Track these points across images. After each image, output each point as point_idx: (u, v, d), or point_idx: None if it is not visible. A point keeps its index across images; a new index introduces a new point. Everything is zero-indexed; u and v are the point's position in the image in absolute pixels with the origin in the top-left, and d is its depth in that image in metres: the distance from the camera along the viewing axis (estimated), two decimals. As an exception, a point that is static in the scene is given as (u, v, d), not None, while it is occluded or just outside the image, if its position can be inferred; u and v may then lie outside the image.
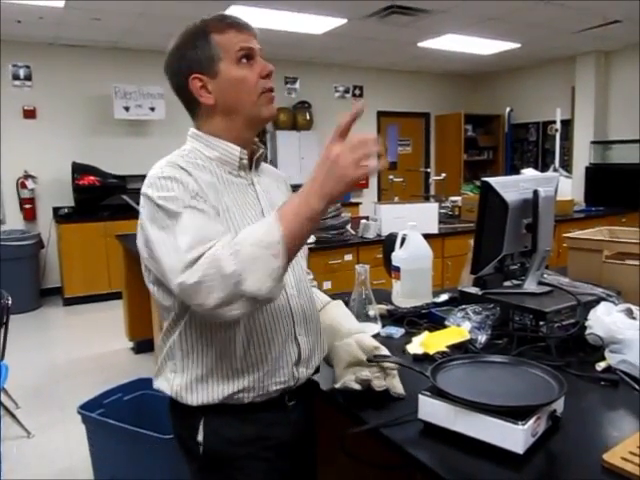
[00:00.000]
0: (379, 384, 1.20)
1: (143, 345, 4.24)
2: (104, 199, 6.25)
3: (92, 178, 6.15)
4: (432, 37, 6.40)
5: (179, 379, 1.15)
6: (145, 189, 1.08)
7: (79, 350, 4.54)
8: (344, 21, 5.54)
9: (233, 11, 4.89)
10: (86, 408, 2.27)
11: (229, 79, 1.16)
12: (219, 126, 1.19)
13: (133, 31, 5.68)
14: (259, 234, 0.97)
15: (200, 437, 1.16)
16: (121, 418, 2.20)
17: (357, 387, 1.20)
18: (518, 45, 6.84)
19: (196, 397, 1.14)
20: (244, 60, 1.16)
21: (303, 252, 1.31)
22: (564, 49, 7.16)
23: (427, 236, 2.04)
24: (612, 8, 5.33)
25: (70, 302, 5.95)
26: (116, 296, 5.12)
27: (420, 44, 6.70)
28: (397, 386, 1.23)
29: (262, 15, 5.15)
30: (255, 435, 1.17)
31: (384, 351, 1.26)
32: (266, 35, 5.15)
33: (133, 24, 5.38)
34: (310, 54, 7.12)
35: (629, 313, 1.46)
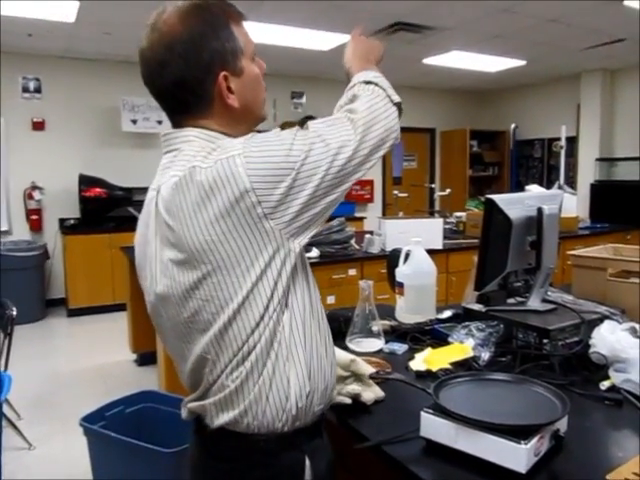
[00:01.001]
0: (368, 397, 1.25)
1: (146, 357, 4.24)
2: (110, 211, 6.29)
3: (98, 190, 6.19)
4: (438, 54, 6.45)
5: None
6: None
7: (82, 361, 4.54)
8: (349, 36, 5.59)
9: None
10: (88, 420, 2.27)
11: (252, 77, 1.07)
12: (225, 128, 1.05)
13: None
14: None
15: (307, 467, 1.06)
16: (123, 431, 2.19)
17: (348, 401, 1.24)
18: (523, 62, 6.88)
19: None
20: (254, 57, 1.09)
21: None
22: (569, 67, 7.20)
23: (431, 251, 2.05)
24: (616, 27, 5.36)
25: (74, 313, 5.96)
26: (120, 308, 5.13)
27: (426, 60, 6.75)
28: (378, 394, 1.30)
29: (270, 31, 5.21)
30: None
31: (360, 364, 1.31)
32: (273, 50, 5.22)
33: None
34: (317, 69, 7.18)
35: (633, 332, 1.45)
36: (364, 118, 1.03)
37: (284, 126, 7.45)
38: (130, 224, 6.06)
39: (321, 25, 5.19)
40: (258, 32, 5.12)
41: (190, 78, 1.00)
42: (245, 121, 1.09)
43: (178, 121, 1.06)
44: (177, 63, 0.99)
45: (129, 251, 4.09)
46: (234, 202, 0.91)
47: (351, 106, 1.07)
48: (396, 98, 1.11)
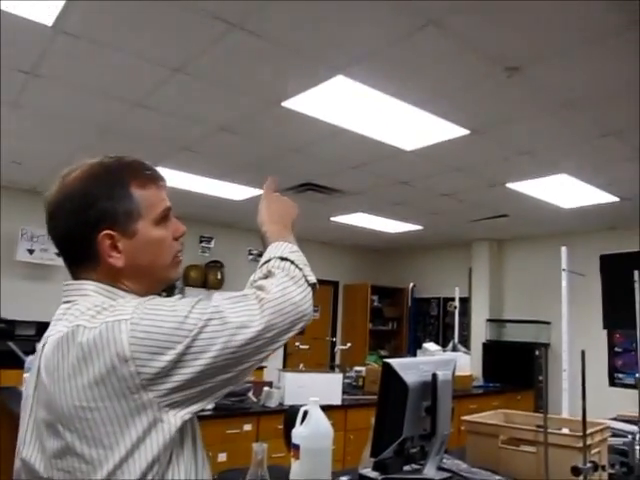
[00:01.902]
0: None
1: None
2: (-13, 344, 5.72)
3: (-25, 320, 5.67)
4: (344, 214, 6.90)
5: None
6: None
7: None
8: (262, 192, 5.88)
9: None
10: None
11: (148, 240, 1.03)
12: (123, 284, 1.03)
13: (53, 177, 5.67)
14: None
15: None
16: None
17: None
18: (421, 227, 7.49)
19: None
20: (162, 221, 1.06)
21: None
22: (461, 235, 7.92)
23: (330, 407, 2.00)
24: (501, 204, 6.05)
25: None
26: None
27: (333, 218, 7.17)
28: None
29: (183, 178, 5.38)
30: None
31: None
32: (185, 196, 5.33)
33: (54, 171, 5.40)
34: (228, 217, 7.39)
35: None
36: (274, 300, 0.98)
37: (189, 270, 7.43)
38: (6, 360, 5.48)
39: (235, 179, 5.45)
40: (171, 179, 5.27)
41: (75, 234, 1.01)
42: (144, 280, 1.05)
43: (74, 272, 1.05)
44: (66, 218, 1.01)
45: (3, 391, 3.67)
46: (111, 369, 0.86)
47: (263, 283, 1.02)
48: (312, 279, 1.07)
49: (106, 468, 0.86)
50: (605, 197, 5.43)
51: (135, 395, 0.87)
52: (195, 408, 0.93)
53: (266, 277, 1.04)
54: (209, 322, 0.91)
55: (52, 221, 1.03)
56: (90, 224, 0.99)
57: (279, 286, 1.01)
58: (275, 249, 1.11)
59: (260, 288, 1.00)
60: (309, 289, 1.06)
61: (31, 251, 6.21)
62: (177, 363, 0.88)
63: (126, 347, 0.86)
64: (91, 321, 0.91)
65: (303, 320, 1.02)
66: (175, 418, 0.90)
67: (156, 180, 1.07)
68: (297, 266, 1.07)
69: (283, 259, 1.08)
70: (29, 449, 0.93)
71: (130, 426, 0.87)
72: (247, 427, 3.61)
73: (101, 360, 0.87)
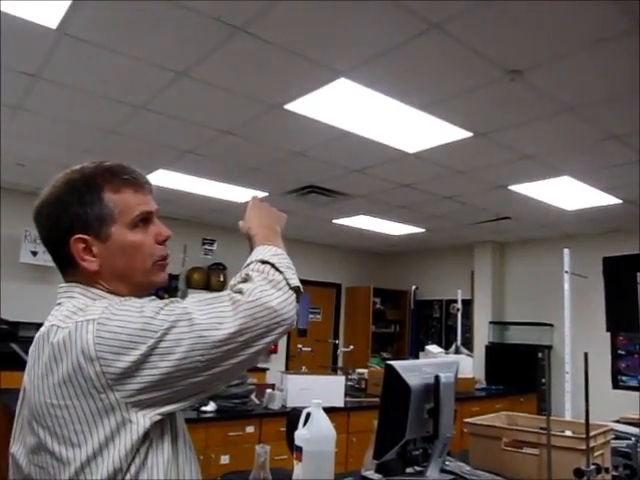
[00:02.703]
0: None
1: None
2: (-11, 347, 5.74)
3: (-20, 322, 5.69)
4: (347, 216, 6.90)
5: None
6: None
7: None
8: (265, 194, 5.90)
9: (157, 176, 5.10)
10: None
11: (122, 244, 1.03)
12: (105, 287, 1.04)
13: (56, 180, 5.72)
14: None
15: None
16: None
17: None
18: (423, 230, 7.49)
19: None
20: (139, 225, 1.05)
21: None
22: (463, 237, 7.91)
23: (333, 410, 2.00)
24: (503, 207, 6.05)
25: None
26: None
27: (335, 221, 7.18)
28: None
29: (186, 181, 5.39)
30: None
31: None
32: (189, 199, 5.32)
33: (57, 173, 5.43)
34: (231, 220, 7.37)
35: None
36: (248, 303, 0.95)
37: (192, 272, 7.44)
38: (10, 362, 5.49)
39: (238, 182, 5.46)
40: (173, 180, 5.29)
41: (52, 239, 1.04)
42: (123, 284, 1.05)
43: (63, 275, 1.07)
44: (44, 224, 1.05)
45: (4, 393, 3.68)
46: (77, 369, 0.88)
47: (241, 287, 0.99)
48: (294, 282, 1.02)
49: (74, 466, 0.88)
50: (608, 199, 5.43)
51: (102, 395, 0.88)
52: (165, 410, 0.92)
53: (245, 281, 1.01)
54: (176, 323, 0.90)
55: (37, 227, 1.06)
56: (63, 229, 1.01)
57: (255, 289, 0.98)
58: (258, 252, 1.08)
59: (238, 292, 0.98)
60: (290, 293, 1.01)
61: (34, 253, 6.23)
62: (142, 364, 0.88)
63: (91, 347, 0.88)
64: (65, 321, 0.93)
65: (282, 325, 0.98)
66: (144, 419, 0.90)
67: (133, 184, 1.06)
68: (277, 269, 1.03)
69: (264, 262, 1.04)
70: (16, 445, 0.98)
71: (98, 425, 0.88)
72: (250, 429, 3.61)
73: (69, 359, 0.89)
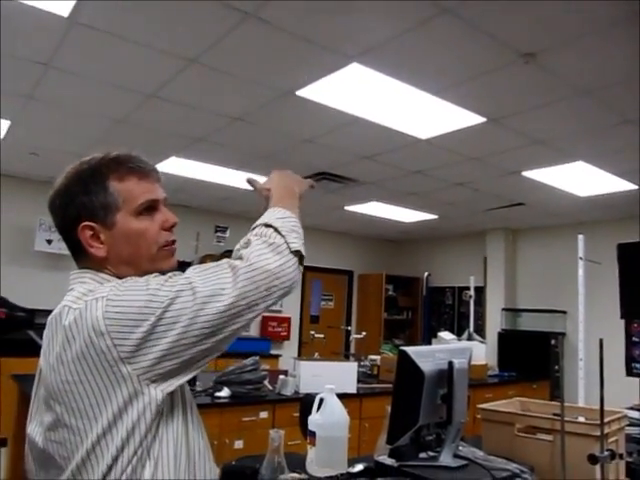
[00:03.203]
0: None
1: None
2: (8, 333, 5.82)
3: (-3, 310, 5.77)
4: (358, 203, 6.88)
5: None
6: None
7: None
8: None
9: (170, 164, 5.11)
10: None
11: (126, 232, 1.06)
12: (113, 273, 1.08)
13: (69, 169, 5.76)
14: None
15: None
16: None
17: None
18: (436, 217, 7.45)
19: None
20: (144, 212, 1.08)
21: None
22: (475, 224, 7.86)
23: (345, 396, 2.01)
24: (516, 193, 6.00)
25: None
26: None
27: (347, 207, 7.16)
28: None
29: (198, 168, 5.41)
30: None
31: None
32: (201, 186, 5.33)
33: (70, 162, 5.46)
34: (243, 207, 7.41)
35: (541, 494, 1.45)
36: (247, 267, 0.98)
37: (205, 259, 7.47)
38: (27, 349, 5.59)
39: (250, 169, 5.46)
40: (187, 168, 5.31)
41: (62, 227, 1.09)
42: (131, 270, 1.07)
43: (76, 262, 1.11)
44: (56, 214, 1.09)
45: (22, 380, 3.74)
46: (89, 344, 0.92)
47: (242, 252, 1.03)
48: (295, 245, 1.05)
49: (90, 438, 0.91)
50: (623, 185, 5.36)
51: (114, 368, 0.91)
52: (177, 381, 0.96)
53: (247, 246, 1.04)
54: (180, 293, 0.94)
55: (51, 216, 1.11)
56: (71, 218, 1.06)
57: (253, 253, 1.00)
58: (266, 215, 1.12)
59: (239, 258, 1.01)
60: (291, 256, 1.03)
61: (49, 241, 6.29)
62: (151, 335, 0.91)
63: (101, 322, 0.92)
64: (76, 302, 0.98)
65: (281, 288, 1.01)
66: (157, 392, 0.93)
67: (138, 172, 1.09)
68: (279, 233, 1.05)
69: (267, 226, 1.07)
70: (32, 424, 1.01)
71: (112, 398, 0.92)
72: (263, 415, 3.64)
73: (81, 336, 0.93)
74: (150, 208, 1.09)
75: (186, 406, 1.03)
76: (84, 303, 0.95)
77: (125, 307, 0.92)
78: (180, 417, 0.99)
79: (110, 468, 0.91)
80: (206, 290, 0.94)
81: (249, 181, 1.28)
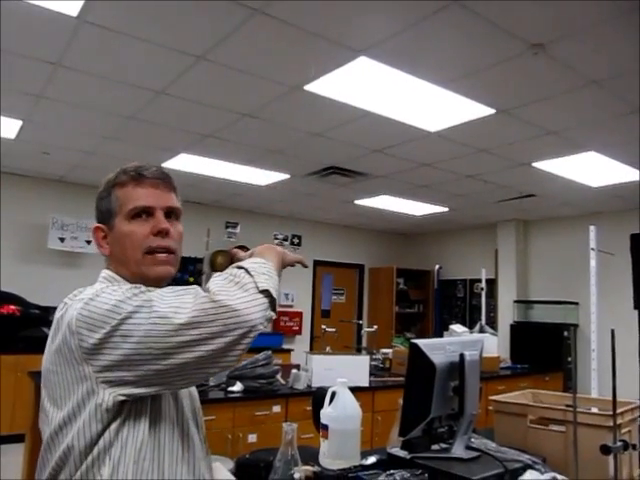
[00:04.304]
0: None
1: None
2: (22, 330, 5.89)
3: (12, 307, 5.84)
4: (368, 197, 6.87)
5: None
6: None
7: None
8: (287, 176, 5.90)
9: (179, 161, 5.14)
10: None
11: (119, 234, 1.17)
12: (119, 273, 1.19)
13: (80, 167, 5.81)
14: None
15: None
16: None
17: None
18: (446, 209, 7.43)
19: None
20: (137, 217, 1.16)
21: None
22: (486, 216, 7.83)
23: (357, 389, 2.02)
24: (527, 184, 5.97)
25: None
26: (16, 439, 4.63)
27: (357, 202, 7.16)
28: None
29: (208, 164, 5.43)
30: None
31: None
32: (211, 182, 5.35)
33: (81, 161, 5.52)
34: (253, 203, 7.44)
35: (554, 484, 1.45)
36: (207, 298, 0.96)
37: (216, 255, 7.51)
38: (42, 346, 5.65)
39: (259, 164, 5.47)
40: (196, 164, 5.33)
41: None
42: (126, 271, 1.17)
43: None
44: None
45: (38, 377, 3.79)
46: (65, 340, 1.02)
47: (209, 285, 1.02)
48: (263, 285, 1.01)
49: (53, 425, 1.02)
50: (635, 175, 5.31)
51: (80, 366, 1.00)
52: (127, 392, 0.99)
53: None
54: (139, 309, 0.98)
55: None
56: (96, 220, 1.23)
57: (216, 288, 0.99)
58: (241, 262, 1.10)
59: (206, 290, 1.00)
60: (258, 296, 0.99)
61: (62, 239, 6.35)
62: (106, 342, 0.98)
63: (73, 322, 1.01)
64: (72, 299, 1.08)
65: (242, 327, 0.96)
66: (108, 396, 0.99)
67: (135, 180, 1.19)
68: (249, 273, 1.02)
69: (239, 268, 1.05)
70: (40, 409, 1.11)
71: (75, 392, 1.01)
72: (276, 409, 3.67)
73: (62, 331, 1.03)
74: (144, 214, 1.17)
75: (160, 423, 1.07)
76: (73, 302, 1.05)
77: (92, 312, 1.00)
78: (146, 430, 1.04)
79: (66, 455, 1.01)
80: (162, 310, 0.96)
81: (233, 253, 1.25)
